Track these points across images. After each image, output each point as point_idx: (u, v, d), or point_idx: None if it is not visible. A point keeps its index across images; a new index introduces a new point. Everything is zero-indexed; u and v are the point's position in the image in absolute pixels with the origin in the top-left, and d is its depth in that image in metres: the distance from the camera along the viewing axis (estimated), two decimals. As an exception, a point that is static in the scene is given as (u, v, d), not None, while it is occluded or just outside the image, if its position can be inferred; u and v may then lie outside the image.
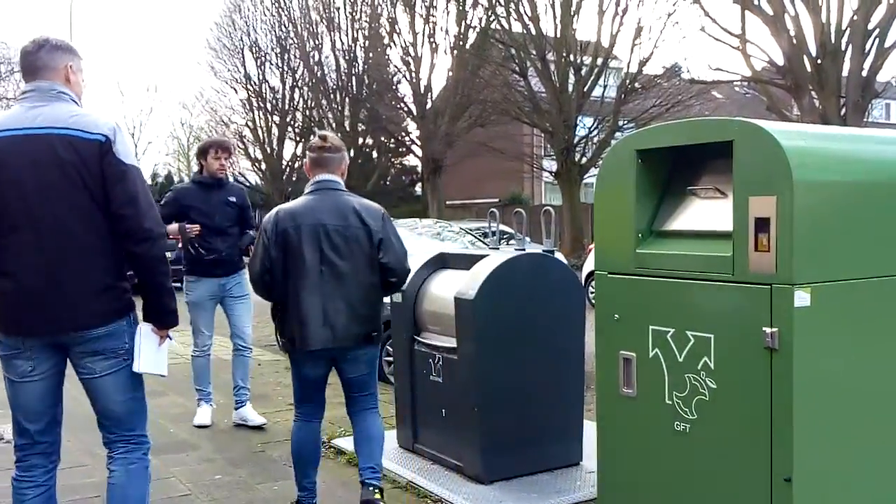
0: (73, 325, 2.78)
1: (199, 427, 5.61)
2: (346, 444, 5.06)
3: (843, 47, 17.04)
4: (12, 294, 2.77)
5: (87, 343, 2.82)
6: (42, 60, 2.84)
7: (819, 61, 17.07)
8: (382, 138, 32.97)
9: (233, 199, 5.57)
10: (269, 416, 5.77)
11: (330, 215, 3.67)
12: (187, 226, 5.33)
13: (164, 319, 2.95)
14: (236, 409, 5.68)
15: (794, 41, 17.19)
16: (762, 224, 2.68)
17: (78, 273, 2.77)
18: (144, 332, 2.96)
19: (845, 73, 17.26)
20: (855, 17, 16.71)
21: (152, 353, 2.98)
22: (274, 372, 7.65)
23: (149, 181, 52.36)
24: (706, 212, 3.01)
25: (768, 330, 2.65)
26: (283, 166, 36.59)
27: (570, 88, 23.45)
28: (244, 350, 5.70)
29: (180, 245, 5.53)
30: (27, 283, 2.75)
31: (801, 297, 2.63)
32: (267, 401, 6.31)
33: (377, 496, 3.83)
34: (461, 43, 27.03)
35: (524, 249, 4.70)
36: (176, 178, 51.52)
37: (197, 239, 5.37)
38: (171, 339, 3.07)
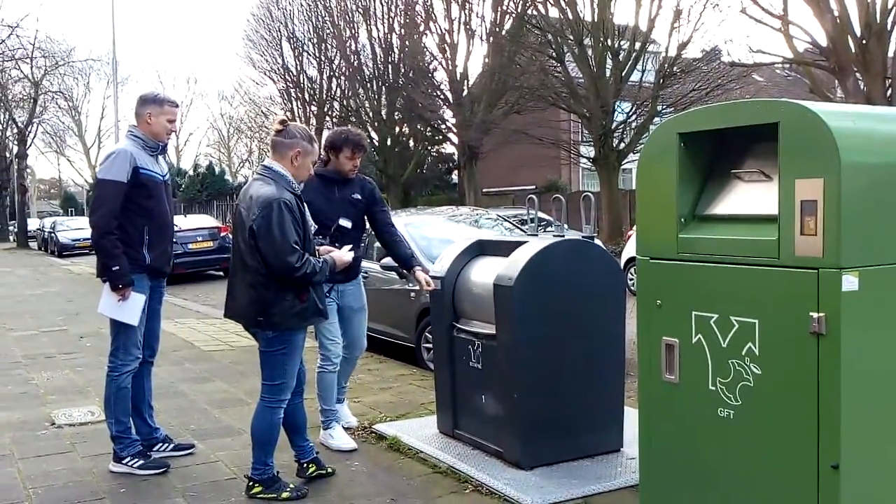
0: None
1: (350, 451, 4.80)
2: (387, 429, 5.11)
3: (888, 27, 16.59)
4: None
5: None
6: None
7: (864, 42, 16.65)
8: (419, 126, 32.97)
9: (357, 195, 4.88)
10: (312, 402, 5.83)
11: (244, 198, 3.90)
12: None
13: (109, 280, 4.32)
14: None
15: (838, 21, 16.77)
16: (809, 207, 2.63)
17: None
18: (105, 288, 4.37)
19: (891, 53, 16.82)
20: (901, -4, 16.27)
21: (111, 301, 4.35)
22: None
23: (190, 171, 53.28)
24: (750, 195, 2.96)
25: (815, 315, 2.61)
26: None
27: (608, 73, 23.22)
28: (353, 357, 5.19)
29: None
30: None
31: (850, 282, 2.58)
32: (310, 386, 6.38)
33: (256, 490, 4.02)
34: (497, 29, 26.91)
35: (563, 236, 4.68)
36: (217, 169, 52.31)
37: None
38: (125, 298, 4.32)
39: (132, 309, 4.39)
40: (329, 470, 4.36)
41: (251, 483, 4.05)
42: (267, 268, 3.76)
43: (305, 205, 4.02)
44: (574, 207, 7.09)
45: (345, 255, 4.07)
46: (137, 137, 4.46)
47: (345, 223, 4.80)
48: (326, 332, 4.81)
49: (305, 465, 4.30)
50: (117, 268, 4.30)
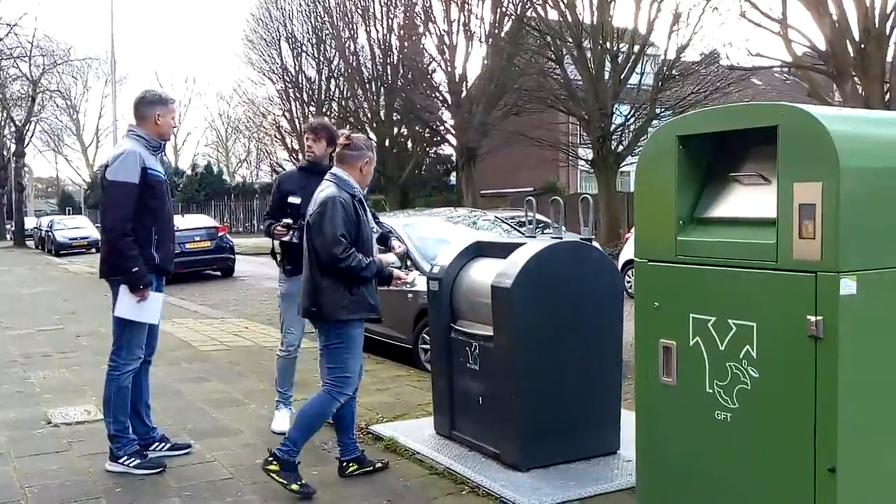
0: None
1: (278, 433, 4.97)
2: (384, 430, 5.11)
3: (887, 31, 16.62)
4: None
5: None
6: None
7: (863, 46, 16.66)
8: (417, 128, 32.94)
9: None
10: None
11: (313, 203, 4.17)
12: (276, 228, 4.97)
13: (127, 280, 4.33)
14: None
15: (837, 25, 16.79)
16: (807, 210, 2.63)
17: None
18: (122, 290, 4.33)
19: (890, 57, 16.85)
20: (900, 0, 16.29)
21: (130, 303, 4.34)
22: (313, 359, 7.71)
23: (188, 171, 53.30)
24: (749, 198, 2.97)
25: (813, 318, 2.61)
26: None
27: (607, 76, 23.20)
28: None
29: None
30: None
31: (848, 285, 2.58)
32: (306, 387, 6.38)
33: (272, 467, 4.03)
34: (496, 31, 26.90)
35: (561, 238, 4.69)
36: (215, 169, 52.32)
37: (290, 232, 4.95)
38: (145, 299, 4.34)
39: (152, 308, 4.43)
40: (378, 465, 4.42)
41: (271, 458, 4.05)
42: (318, 259, 4.02)
43: (367, 209, 4.27)
44: (572, 209, 7.10)
45: (390, 263, 4.37)
46: (140, 137, 4.45)
47: (293, 200, 5.02)
48: (288, 321, 5.22)
49: (346, 463, 4.36)
50: (136, 269, 4.32)
